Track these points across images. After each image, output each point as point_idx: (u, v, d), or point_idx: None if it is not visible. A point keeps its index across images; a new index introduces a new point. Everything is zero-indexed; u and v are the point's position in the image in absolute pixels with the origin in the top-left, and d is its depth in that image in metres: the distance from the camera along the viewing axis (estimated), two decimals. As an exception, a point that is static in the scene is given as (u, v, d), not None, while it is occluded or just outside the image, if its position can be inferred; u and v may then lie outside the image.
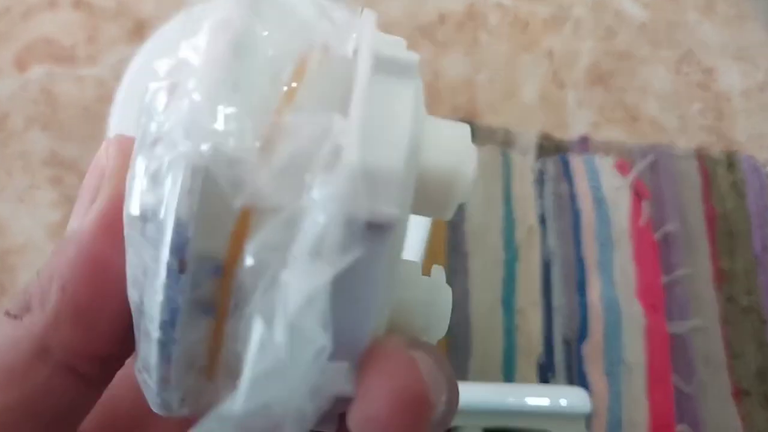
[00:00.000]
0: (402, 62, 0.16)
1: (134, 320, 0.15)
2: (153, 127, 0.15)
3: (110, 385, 0.17)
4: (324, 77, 0.15)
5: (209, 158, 0.13)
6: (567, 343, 0.83)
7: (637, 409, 0.82)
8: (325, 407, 0.13)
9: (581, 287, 0.86)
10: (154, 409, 0.16)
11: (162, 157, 0.13)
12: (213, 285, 0.14)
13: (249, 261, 0.13)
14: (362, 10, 0.17)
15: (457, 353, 0.81)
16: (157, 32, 0.58)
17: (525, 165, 0.91)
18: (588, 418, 0.80)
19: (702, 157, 0.95)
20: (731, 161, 0.95)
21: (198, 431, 0.13)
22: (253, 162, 0.13)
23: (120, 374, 0.17)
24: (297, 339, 0.12)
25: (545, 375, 0.82)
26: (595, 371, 0.83)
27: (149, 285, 0.13)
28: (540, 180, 0.91)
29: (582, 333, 0.84)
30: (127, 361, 0.17)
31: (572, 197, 0.90)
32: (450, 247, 0.86)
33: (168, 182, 0.13)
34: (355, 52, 0.16)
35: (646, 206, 0.91)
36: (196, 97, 0.13)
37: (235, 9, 0.15)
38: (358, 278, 0.14)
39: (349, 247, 0.13)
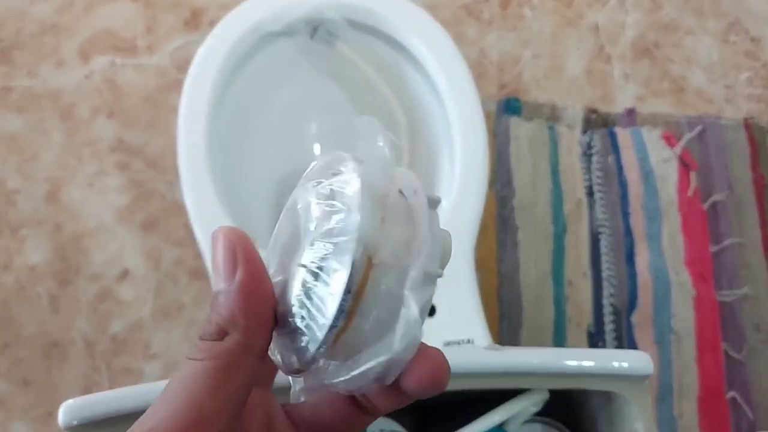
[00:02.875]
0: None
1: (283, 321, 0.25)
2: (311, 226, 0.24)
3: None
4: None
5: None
6: (616, 312, 0.85)
7: (688, 376, 0.84)
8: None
9: (630, 258, 0.88)
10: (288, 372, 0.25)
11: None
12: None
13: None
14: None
15: (509, 323, 0.84)
16: (217, 26, 0.61)
17: (572, 139, 0.93)
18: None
19: (750, 126, 0.95)
20: (780, 129, 0.95)
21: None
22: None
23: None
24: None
25: (595, 344, 0.84)
26: (644, 340, 0.84)
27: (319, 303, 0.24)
28: (587, 153, 0.92)
29: (631, 303, 0.86)
30: None
31: (619, 170, 0.91)
32: (500, 221, 0.88)
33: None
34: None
35: (693, 177, 0.91)
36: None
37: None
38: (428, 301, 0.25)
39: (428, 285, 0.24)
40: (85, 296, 0.81)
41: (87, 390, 0.78)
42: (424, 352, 0.24)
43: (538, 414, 0.45)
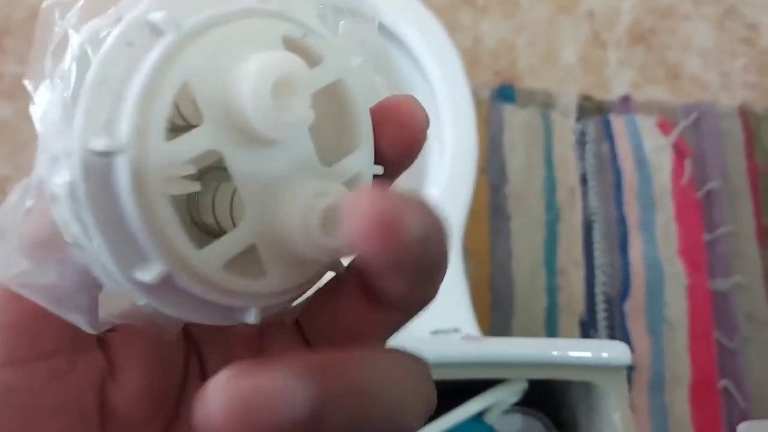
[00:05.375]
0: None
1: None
2: None
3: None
4: None
5: None
6: (609, 301, 0.85)
7: (680, 365, 0.83)
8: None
9: (623, 246, 0.87)
10: None
11: None
12: None
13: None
14: None
15: (500, 312, 0.84)
16: None
17: (566, 126, 0.92)
18: (629, 371, 0.82)
19: (745, 113, 0.94)
20: (776, 117, 0.94)
21: None
22: None
23: None
24: None
25: (587, 333, 0.84)
26: (637, 329, 0.84)
27: None
28: (581, 141, 0.92)
29: (624, 292, 0.85)
30: None
31: (613, 157, 0.91)
32: (492, 209, 0.88)
33: None
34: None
35: (688, 165, 0.91)
36: None
37: None
38: None
39: None
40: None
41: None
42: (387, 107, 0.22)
43: (519, 404, 0.45)
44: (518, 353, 0.38)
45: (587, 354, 0.39)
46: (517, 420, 0.47)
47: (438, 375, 0.38)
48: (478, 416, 0.42)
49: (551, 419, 0.47)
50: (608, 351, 0.40)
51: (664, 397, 0.82)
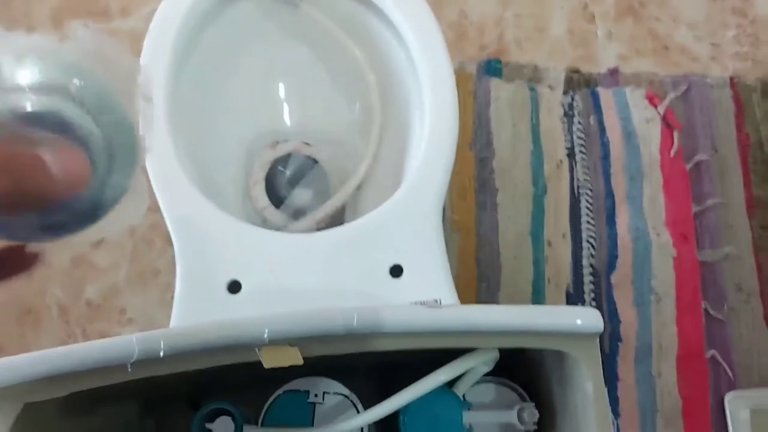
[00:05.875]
0: None
1: None
2: None
3: None
4: None
5: None
6: (595, 273, 0.85)
7: (667, 336, 0.84)
8: None
9: (610, 219, 0.87)
10: None
11: None
12: None
13: None
14: None
15: (487, 284, 0.84)
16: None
17: (553, 99, 0.92)
18: (615, 342, 0.82)
19: (736, 84, 0.93)
20: (767, 88, 0.94)
21: None
22: None
23: None
24: None
25: (574, 304, 0.84)
26: (624, 300, 0.84)
27: None
28: (569, 114, 0.91)
29: (611, 263, 0.85)
30: None
31: (601, 130, 0.90)
32: (479, 182, 0.88)
33: None
34: None
35: (677, 137, 0.90)
36: None
37: None
38: None
39: None
40: (60, 262, 0.81)
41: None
42: None
43: (491, 374, 0.45)
44: (482, 320, 0.37)
45: (557, 321, 0.39)
46: (490, 390, 0.47)
47: (402, 344, 0.38)
48: (448, 386, 0.42)
49: (526, 391, 0.47)
50: (580, 318, 0.39)
51: (651, 368, 0.83)
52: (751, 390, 0.82)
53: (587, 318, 0.40)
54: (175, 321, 0.50)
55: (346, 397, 0.45)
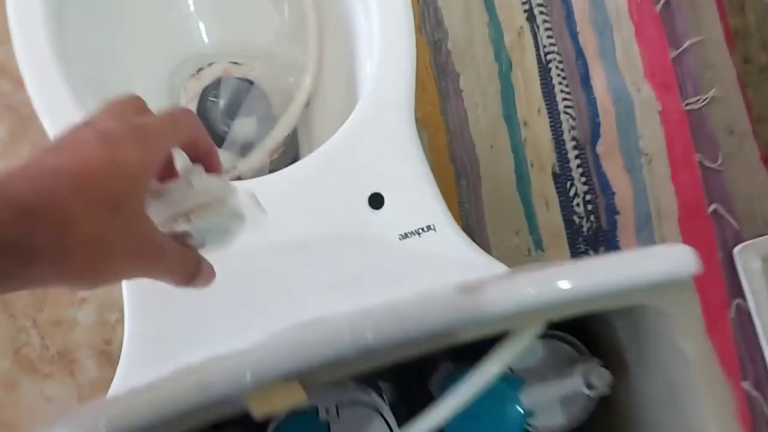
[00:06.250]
0: None
1: None
2: None
3: None
4: None
5: None
6: (579, 146, 0.77)
7: (665, 197, 0.77)
8: None
9: (585, 82, 0.79)
10: None
11: None
12: None
13: None
14: None
15: (467, 181, 0.76)
16: None
17: (501, -41, 0.81)
18: (596, 214, 0.75)
19: None
20: None
21: None
22: None
23: None
24: None
25: (563, 184, 0.77)
26: (614, 169, 0.77)
27: None
28: (520, -27, 0.80)
29: (594, 132, 0.78)
30: None
31: (559, -16, 0.80)
32: (437, 69, 0.78)
33: None
34: None
35: (641, -23, 0.81)
36: None
37: None
38: None
39: None
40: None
41: (18, 353, 0.70)
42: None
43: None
44: (537, 297, 0.27)
45: (638, 273, 0.29)
46: (536, 349, 0.38)
47: (435, 346, 0.29)
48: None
49: (579, 338, 0.38)
50: (668, 261, 0.29)
51: (653, 234, 0.77)
52: (759, 239, 0.77)
53: (676, 259, 0.30)
54: (129, 319, 0.41)
55: (366, 406, 0.35)
